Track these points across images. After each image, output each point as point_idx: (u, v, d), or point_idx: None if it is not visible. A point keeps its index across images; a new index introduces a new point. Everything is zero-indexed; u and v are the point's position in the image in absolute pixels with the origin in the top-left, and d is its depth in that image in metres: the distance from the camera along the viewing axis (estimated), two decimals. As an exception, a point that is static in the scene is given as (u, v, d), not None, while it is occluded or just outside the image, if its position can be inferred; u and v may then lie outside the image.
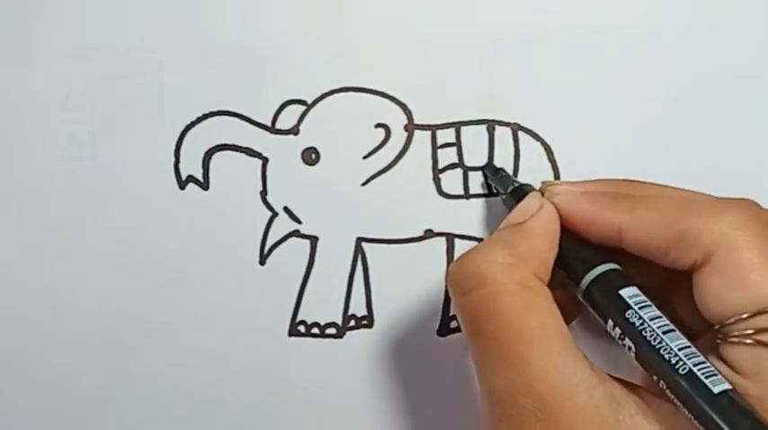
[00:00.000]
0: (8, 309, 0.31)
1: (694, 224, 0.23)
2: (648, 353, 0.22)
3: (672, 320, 0.23)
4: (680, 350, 0.22)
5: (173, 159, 0.31)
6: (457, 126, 0.31)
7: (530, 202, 0.26)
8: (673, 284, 0.26)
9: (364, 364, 0.31)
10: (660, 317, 0.23)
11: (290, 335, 0.31)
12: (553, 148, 0.31)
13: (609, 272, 0.25)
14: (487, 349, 0.23)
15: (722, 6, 0.32)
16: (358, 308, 0.31)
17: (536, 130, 0.31)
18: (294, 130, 0.31)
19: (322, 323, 0.31)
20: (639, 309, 0.23)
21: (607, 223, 0.25)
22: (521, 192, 0.28)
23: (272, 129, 0.31)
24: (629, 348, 0.23)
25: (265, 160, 0.31)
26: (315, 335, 0.31)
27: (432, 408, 0.31)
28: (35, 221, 0.31)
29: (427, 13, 0.31)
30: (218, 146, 0.31)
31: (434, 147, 0.31)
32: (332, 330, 0.31)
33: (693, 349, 0.22)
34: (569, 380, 0.22)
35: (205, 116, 0.31)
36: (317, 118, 0.31)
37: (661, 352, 0.22)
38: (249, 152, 0.31)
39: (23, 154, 0.31)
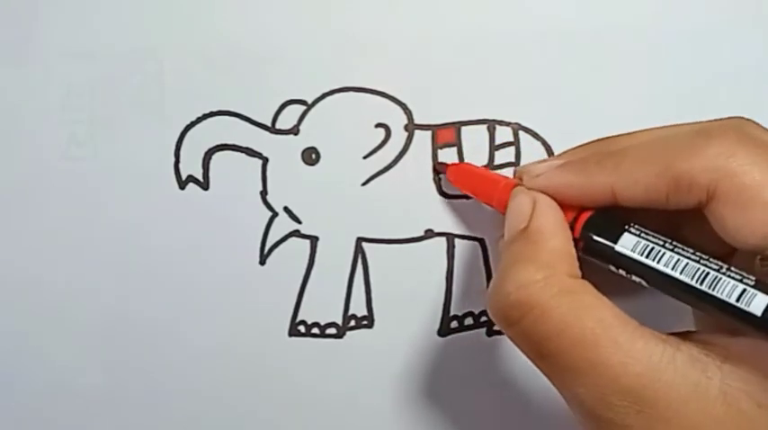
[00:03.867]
0: (8, 309, 0.31)
1: (685, 167, 0.22)
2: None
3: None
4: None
5: (173, 159, 0.31)
6: (457, 126, 0.31)
7: (521, 201, 0.26)
8: (679, 221, 0.25)
9: (364, 364, 0.31)
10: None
11: (290, 335, 0.31)
12: (553, 148, 0.31)
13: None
14: (559, 367, 0.23)
15: (723, 6, 0.32)
16: (358, 308, 0.31)
17: (536, 130, 0.31)
18: (294, 130, 0.31)
19: (322, 323, 0.31)
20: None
21: (597, 188, 0.24)
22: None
23: (272, 129, 0.31)
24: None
25: (265, 160, 0.31)
26: (315, 335, 0.31)
27: (432, 408, 0.31)
28: (35, 221, 0.31)
29: (427, 13, 0.31)
30: (218, 146, 0.31)
31: (434, 147, 0.31)
32: (332, 330, 0.31)
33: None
34: (648, 361, 0.22)
35: (205, 116, 0.31)
36: (317, 118, 0.31)
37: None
38: (249, 152, 0.31)
39: (23, 154, 0.31)
